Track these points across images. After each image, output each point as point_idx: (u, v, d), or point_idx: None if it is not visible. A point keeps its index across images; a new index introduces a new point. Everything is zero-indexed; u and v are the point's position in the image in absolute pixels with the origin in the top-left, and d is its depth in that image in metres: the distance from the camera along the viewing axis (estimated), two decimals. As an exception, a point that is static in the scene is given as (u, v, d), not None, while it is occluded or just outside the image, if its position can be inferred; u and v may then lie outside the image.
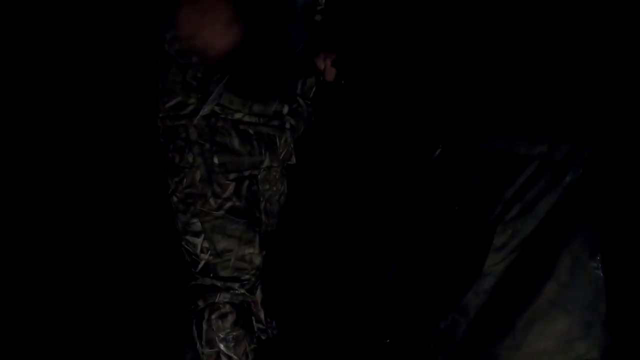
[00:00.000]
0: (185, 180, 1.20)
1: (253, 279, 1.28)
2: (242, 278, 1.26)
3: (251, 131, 1.21)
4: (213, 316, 1.25)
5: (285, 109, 1.26)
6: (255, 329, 1.50)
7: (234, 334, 1.26)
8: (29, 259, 1.77)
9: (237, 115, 1.18)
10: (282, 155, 1.32)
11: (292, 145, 1.34)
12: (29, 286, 1.72)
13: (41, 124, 1.88)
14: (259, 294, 1.45)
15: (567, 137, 1.32)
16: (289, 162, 1.38)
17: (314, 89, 1.35)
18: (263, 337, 1.52)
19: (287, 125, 1.28)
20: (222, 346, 1.26)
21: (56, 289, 1.73)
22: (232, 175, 1.20)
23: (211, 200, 1.20)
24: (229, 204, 1.21)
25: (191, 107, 1.16)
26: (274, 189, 1.37)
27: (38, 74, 1.86)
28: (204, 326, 1.26)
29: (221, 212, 1.21)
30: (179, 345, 1.62)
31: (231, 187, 1.21)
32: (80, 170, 1.91)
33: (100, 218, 1.88)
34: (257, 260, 1.28)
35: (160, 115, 1.20)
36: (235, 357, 1.27)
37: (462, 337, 1.39)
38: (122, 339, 1.64)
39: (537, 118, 1.40)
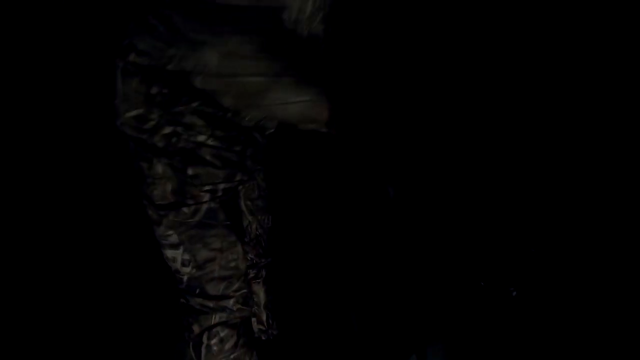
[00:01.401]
0: (155, 192, 1.10)
1: (244, 289, 1.20)
2: (231, 291, 1.17)
3: (211, 155, 1.12)
4: (212, 342, 1.17)
5: (243, 137, 1.17)
6: (256, 330, 1.50)
7: (235, 355, 1.18)
8: (29, 259, 1.77)
9: (200, 138, 1.09)
10: (249, 169, 1.22)
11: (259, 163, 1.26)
12: (29, 286, 1.72)
13: (41, 123, 1.88)
14: (262, 296, 1.43)
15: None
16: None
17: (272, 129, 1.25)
18: (263, 338, 1.52)
19: (248, 153, 1.19)
20: None
21: (56, 289, 1.73)
22: (207, 187, 1.11)
23: (184, 210, 1.11)
24: (205, 207, 1.12)
25: (152, 123, 1.07)
26: (248, 185, 1.30)
27: (37, 74, 1.86)
28: (203, 351, 1.18)
29: (197, 219, 1.11)
30: (179, 346, 1.62)
31: (206, 196, 1.12)
32: (79, 170, 1.91)
33: (100, 218, 1.88)
34: (243, 266, 1.19)
35: (121, 122, 1.10)
36: None
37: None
38: (122, 339, 1.64)
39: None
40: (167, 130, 1.06)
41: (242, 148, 1.15)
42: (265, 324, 1.50)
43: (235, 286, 1.18)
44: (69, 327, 1.64)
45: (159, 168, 1.08)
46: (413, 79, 1.66)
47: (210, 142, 1.09)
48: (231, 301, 1.17)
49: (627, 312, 1.39)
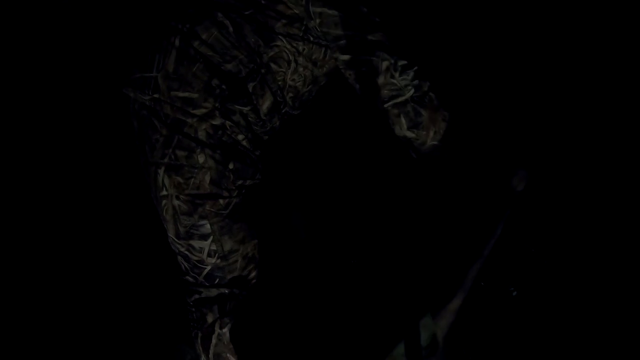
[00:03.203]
0: (192, 181, 1.15)
1: (256, 277, 1.28)
2: (247, 279, 1.25)
3: (249, 147, 1.24)
4: (224, 329, 1.21)
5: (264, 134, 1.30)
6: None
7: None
8: (29, 259, 1.77)
9: (239, 137, 1.19)
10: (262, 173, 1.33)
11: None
12: (29, 286, 1.71)
13: (41, 123, 1.88)
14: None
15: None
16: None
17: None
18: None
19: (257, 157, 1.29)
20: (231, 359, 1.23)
21: (56, 289, 1.73)
22: (239, 182, 1.20)
23: (220, 201, 1.18)
24: (234, 201, 1.20)
25: (204, 111, 1.13)
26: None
27: (38, 74, 1.86)
28: (214, 340, 1.22)
29: (228, 211, 1.19)
30: (179, 347, 1.62)
31: (238, 190, 1.21)
32: (79, 170, 1.91)
33: (100, 218, 1.88)
34: (258, 256, 1.27)
35: (156, 95, 1.14)
36: None
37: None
38: (122, 339, 1.64)
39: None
40: (218, 121, 1.14)
41: (260, 153, 1.26)
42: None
43: (252, 275, 1.25)
44: (69, 327, 1.63)
45: (201, 158, 1.14)
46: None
47: (244, 143, 1.19)
48: (244, 286, 1.23)
49: (627, 312, 1.40)
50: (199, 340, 1.24)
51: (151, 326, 1.67)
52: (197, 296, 1.24)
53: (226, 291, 1.21)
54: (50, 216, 1.84)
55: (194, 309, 1.24)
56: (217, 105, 1.13)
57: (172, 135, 1.14)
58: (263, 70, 1.16)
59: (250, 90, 1.15)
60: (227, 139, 1.17)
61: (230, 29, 1.12)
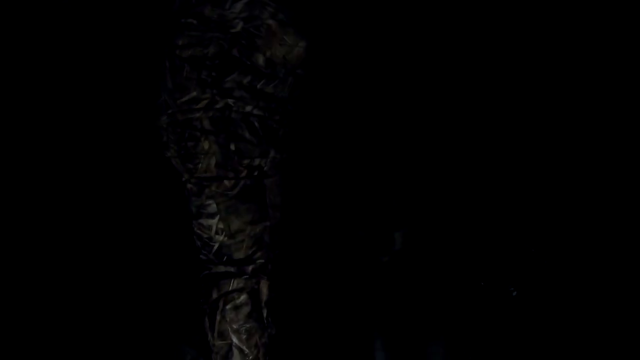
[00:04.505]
0: (200, 165, 1.27)
1: (264, 259, 1.31)
2: (255, 257, 1.29)
3: (257, 124, 1.30)
4: (227, 307, 1.27)
5: (279, 107, 1.36)
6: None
7: (247, 325, 1.27)
8: (29, 259, 1.77)
9: (248, 108, 1.27)
10: (281, 148, 1.39)
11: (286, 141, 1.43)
12: (29, 286, 1.71)
13: (42, 123, 1.88)
14: (265, 292, 1.44)
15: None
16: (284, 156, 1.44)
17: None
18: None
19: (281, 132, 1.37)
20: (234, 338, 1.27)
21: (56, 289, 1.73)
22: (246, 161, 1.28)
23: (225, 182, 1.26)
24: (242, 183, 1.28)
25: (205, 101, 1.26)
26: (274, 178, 1.43)
27: (42, 74, 1.86)
28: (218, 317, 1.27)
29: (235, 192, 1.27)
30: (179, 347, 1.62)
31: (244, 172, 1.28)
32: (79, 170, 1.91)
33: (100, 218, 1.88)
34: (267, 238, 1.32)
35: (170, 111, 1.29)
36: (246, 349, 1.29)
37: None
38: (122, 339, 1.64)
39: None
40: (220, 104, 1.25)
41: (279, 119, 1.33)
42: (264, 321, 1.50)
43: (258, 254, 1.30)
44: (69, 327, 1.63)
45: (206, 145, 1.26)
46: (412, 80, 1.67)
47: (255, 111, 1.28)
48: (251, 267, 1.28)
49: (626, 312, 1.40)
50: (206, 318, 1.29)
51: (151, 326, 1.67)
52: (206, 272, 1.29)
53: (232, 269, 1.27)
54: (51, 216, 1.84)
55: (203, 285, 1.30)
56: (214, 91, 1.25)
57: (184, 132, 1.29)
58: (243, 33, 1.27)
59: (237, 54, 1.26)
60: (237, 115, 1.26)
61: (195, 22, 1.26)
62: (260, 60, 1.30)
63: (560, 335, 1.47)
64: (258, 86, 1.29)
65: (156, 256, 1.83)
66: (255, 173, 1.32)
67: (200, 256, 1.32)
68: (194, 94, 1.26)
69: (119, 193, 1.90)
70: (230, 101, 1.26)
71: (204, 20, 1.27)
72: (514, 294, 1.58)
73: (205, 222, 1.28)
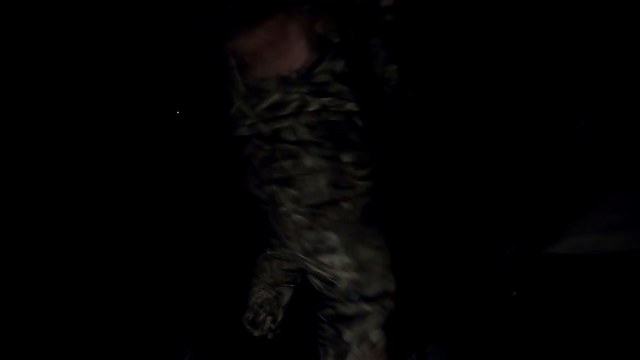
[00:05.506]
0: (306, 190, 0.98)
1: (397, 286, 1.08)
2: (390, 289, 1.06)
3: (360, 123, 1.01)
4: (364, 346, 1.04)
5: (381, 96, 1.08)
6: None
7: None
8: (29, 259, 1.75)
9: (348, 106, 0.98)
10: (389, 149, 1.13)
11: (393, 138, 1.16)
12: (29, 286, 1.69)
13: (46, 124, 1.86)
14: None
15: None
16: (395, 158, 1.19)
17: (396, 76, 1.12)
18: (269, 337, 1.51)
19: (389, 112, 1.09)
20: None
21: (56, 289, 1.71)
22: (362, 172, 1.00)
23: (344, 205, 0.99)
24: (363, 202, 1.01)
25: (294, 105, 0.96)
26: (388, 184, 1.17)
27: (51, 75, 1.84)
28: (349, 358, 1.05)
29: (357, 215, 1.00)
30: (177, 347, 1.61)
31: (362, 186, 1.01)
32: (79, 170, 1.89)
33: (100, 218, 1.86)
34: (402, 261, 1.11)
35: (249, 122, 1.00)
36: None
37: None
38: (122, 339, 1.62)
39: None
40: (315, 105, 0.96)
41: (384, 112, 1.07)
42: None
43: (394, 282, 1.07)
44: (69, 327, 1.61)
45: (308, 161, 0.97)
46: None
47: (356, 108, 1.00)
48: (387, 300, 1.06)
49: (627, 312, 1.41)
50: (329, 358, 1.08)
51: (151, 326, 1.66)
52: (331, 311, 1.06)
53: (366, 307, 1.03)
54: (51, 216, 1.82)
55: (326, 325, 1.07)
56: (302, 90, 0.96)
57: (273, 148, 0.99)
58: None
59: (322, 31, 0.93)
60: (336, 117, 0.97)
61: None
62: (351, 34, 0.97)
63: (560, 335, 1.48)
64: (354, 71, 0.98)
65: (156, 256, 1.82)
66: (373, 184, 1.02)
67: (321, 296, 1.06)
68: (276, 96, 0.96)
69: (119, 193, 1.89)
70: (325, 100, 0.96)
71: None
72: (514, 294, 1.58)
73: (325, 259, 1.02)
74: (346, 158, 0.98)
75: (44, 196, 1.84)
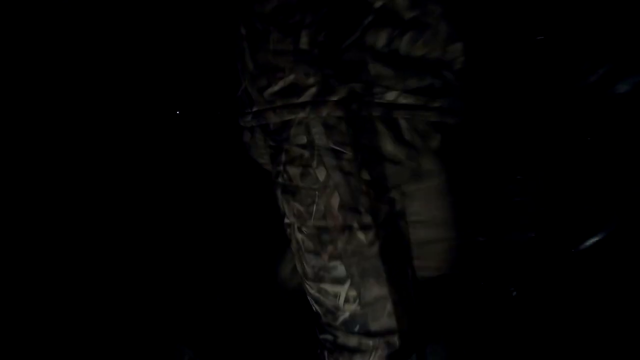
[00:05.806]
0: (315, 209, 0.80)
1: (412, 326, 0.94)
2: (401, 329, 0.91)
3: (404, 121, 0.78)
4: None
5: (438, 83, 0.80)
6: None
7: None
8: (28, 258, 1.75)
9: (389, 96, 0.75)
10: (442, 157, 0.90)
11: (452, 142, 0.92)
12: (29, 286, 1.70)
13: (45, 124, 1.87)
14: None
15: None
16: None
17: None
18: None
19: (448, 106, 0.82)
20: None
21: (56, 289, 1.71)
22: (387, 195, 0.82)
23: (360, 235, 0.82)
24: (384, 233, 0.84)
25: (313, 90, 0.75)
26: (424, 209, 0.92)
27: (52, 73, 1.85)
28: None
29: (375, 249, 0.83)
30: (177, 347, 1.61)
31: (385, 211, 0.83)
32: (79, 170, 1.90)
33: (100, 218, 1.87)
34: (417, 299, 0.95)
35: (255, 109, 0.81)
36: None
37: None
38: (122, 339, 1.63)
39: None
40: (341, 92, 0.72)
41: (441, 105, 0.79)
42: None
43: (404, 324, 0.91)
44: (68, 327, 1.62)
45: (321, 173, 0.78)
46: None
47: (402, 99, 0.75)
48: (396, 337, 0.91)
49: (627, 312, 1.41)
50: None
51: (151, 326, 1.66)
52: (331, 338, 0.92)
53: (370, 342, 0.88)
54: (51, 216, 1.83)
55: (326, 352, 0.94)
56: (327, 71, 0.73)
57: (279, 147, 0.81)
58: None
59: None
60: (369, 112, 0.75)
61: None
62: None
63: (560, 335, 1.48)
64: (402, 48, 0.73)
65: (155, 256, 1.83)
66: (401, 207, 0.83)
67: (319, 321, 0.93)
68: (292, 77, 0.75)
69: (119, 193, 1.89)
70: (357, 86, 0.73)
71: None
72: (514, 294, 1.58)
73: (329, 288, 0.87)
74: (367, 175, 0.78)
75: (44, 196, 1.84)
